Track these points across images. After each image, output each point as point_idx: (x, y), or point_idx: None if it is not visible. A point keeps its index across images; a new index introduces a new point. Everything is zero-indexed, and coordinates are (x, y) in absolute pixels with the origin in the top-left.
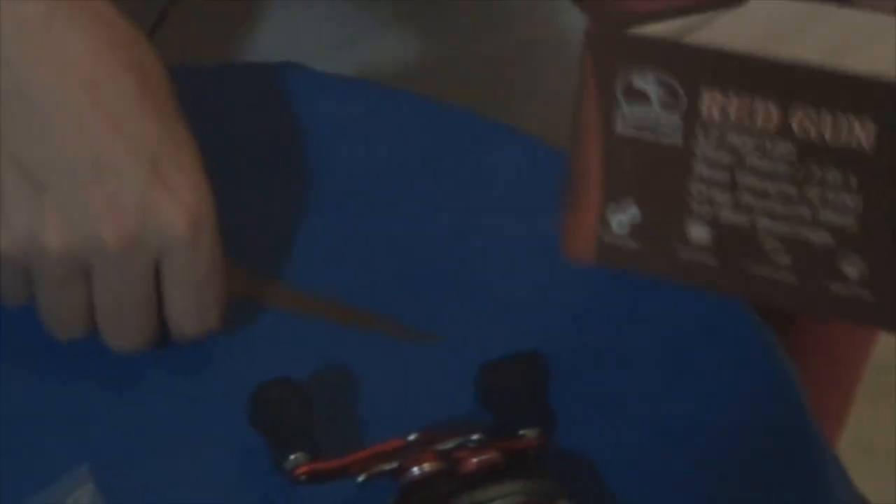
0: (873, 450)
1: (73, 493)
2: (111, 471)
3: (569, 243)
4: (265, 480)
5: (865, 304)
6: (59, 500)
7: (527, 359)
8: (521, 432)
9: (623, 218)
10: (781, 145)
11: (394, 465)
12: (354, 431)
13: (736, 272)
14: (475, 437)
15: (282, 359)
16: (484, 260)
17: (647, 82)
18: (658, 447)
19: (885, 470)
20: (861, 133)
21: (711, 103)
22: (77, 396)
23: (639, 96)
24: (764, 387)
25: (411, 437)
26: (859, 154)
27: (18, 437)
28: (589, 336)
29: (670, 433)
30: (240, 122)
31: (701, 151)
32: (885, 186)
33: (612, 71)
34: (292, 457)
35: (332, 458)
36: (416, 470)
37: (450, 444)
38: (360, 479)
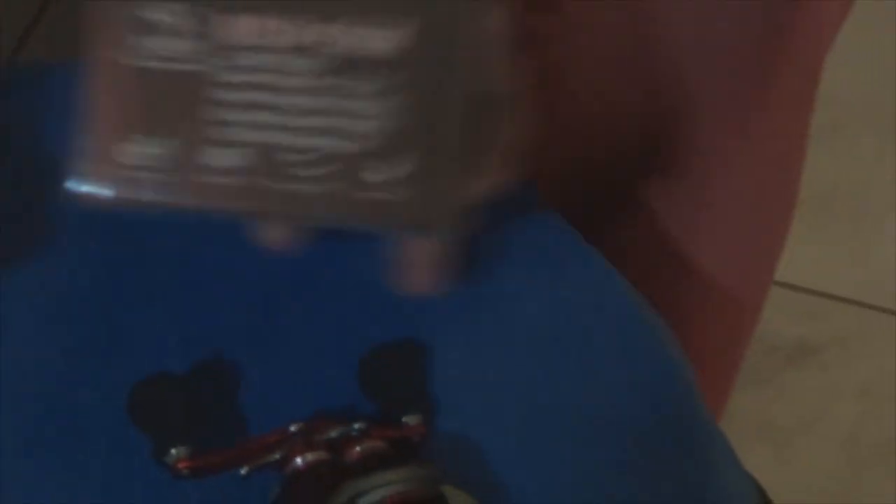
0: (769, 429)
1: None
2: None
3: (87, 178)
4: (149, 475)
5: (392, 207)
6: None
7: (406, 346)
8: (404, 419)
9: (143, 150)
10: (299, 61)
11: (277, 456)
12: (236, 424)
13: (262, 192)
14: (358, 426)
15: (161, 351)
16: (360, 245)
17: (156, 12)
18: (542, 431)
19: (780, 449)
20: (378, 41)
21: (225, 27)
22: None
23: (150, 28)
24: (650, 367)
25: (293, 428)
26: (378, 62)
27: None
28: (467, 320)
29: (553, 416)
30: None
31: (218, 76)
32: (403, 91)
33: (123, 4)
34: (173, 451)
35: (214, 452)
36: (299, 461)
37: (333, 434)
38: (244, 471)
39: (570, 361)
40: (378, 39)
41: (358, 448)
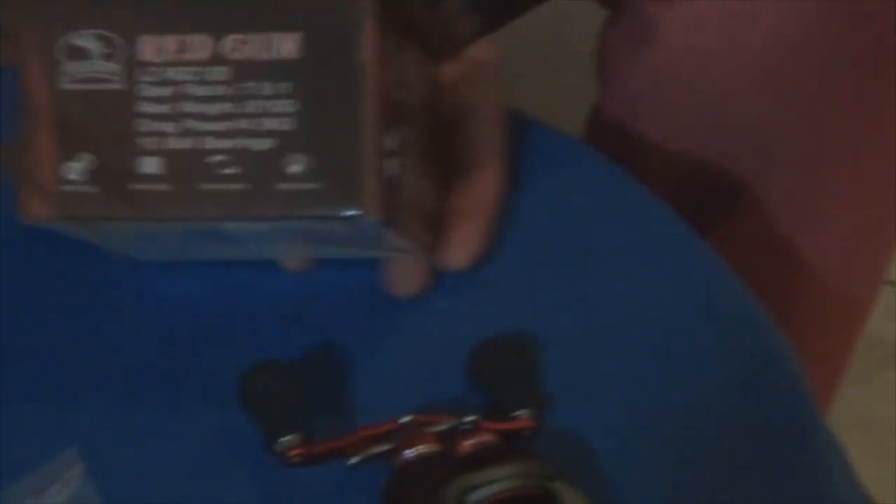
0: (870, 426)
1: (62, 476)
2: (100, 454)
3: (29, 203)
4: (256, 463)
5: (314, 193)
6: (47, 483)
7: (517, 339)
8: (515, 414)
9: (79, 166)
10: (217, 71)
11: (387, 447)
12: (347, 413)
13: (190, 194)
14: (468, 418)
15: (272, 340)
16: None
17: (85, 39)
18: (652, 428)
19: (883, 446)
20: (286, 45)
21: (148, 46)
22: (65, 379)
23: (79, 53)
24: (760, 365)
25: (404, 420)
26: (288, 63)
27: (6, 420)
28: (577, 314)
29: (665, 414)
30: None
31: (143, 91)
32: (313, 86)
33: (52, 35)
34: (284, 439)
35: (325, 441)
36: (409, 452)
37: (443, 426)
38: (353, 461)
39: (679, 357)
40: (282, 43)
41: (469, 441)
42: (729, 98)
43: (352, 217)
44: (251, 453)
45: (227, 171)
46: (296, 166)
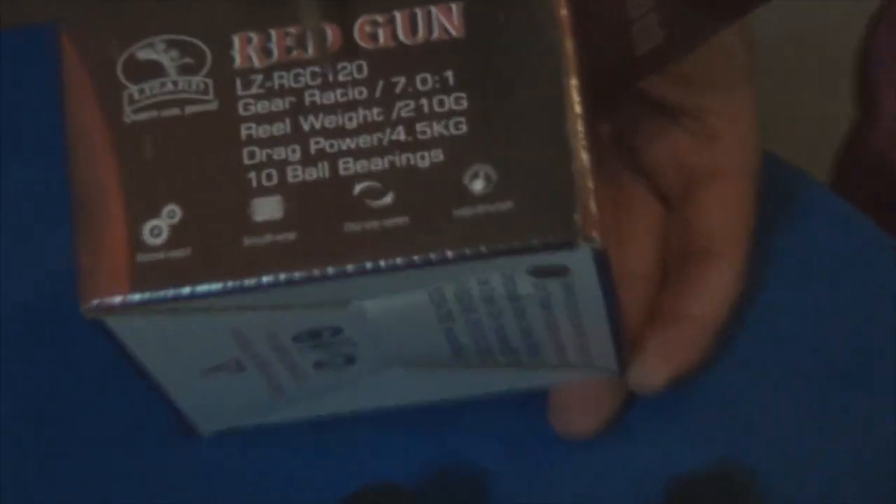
0: None
1: None
2: None
3: (92, 289)
4: None
5: (509, 217)
6: None
7: (731, 476)
8: None
9: (160, 223)
10: (349, 67)
11: None
12: None
13: (329, 241)
14: None
15: (385, 458)
16: None
17: (154, 50)
18: None
19: None
20: (443, 20)
21: (246, 48)
22: None
23: (148, 69)
24: None
25: None
26: (448, 45)
27: None
28: (821, 446)
29: None
30: None
31: (247, 108)
32: (486, 70)
33: (107, 49)
34: None
35: None
36: None
37: None
38: None
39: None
40: (433, 21)
41: None
42: None
43: (566, 244)
44: None
45: (381, 201)
46: (479, 182)
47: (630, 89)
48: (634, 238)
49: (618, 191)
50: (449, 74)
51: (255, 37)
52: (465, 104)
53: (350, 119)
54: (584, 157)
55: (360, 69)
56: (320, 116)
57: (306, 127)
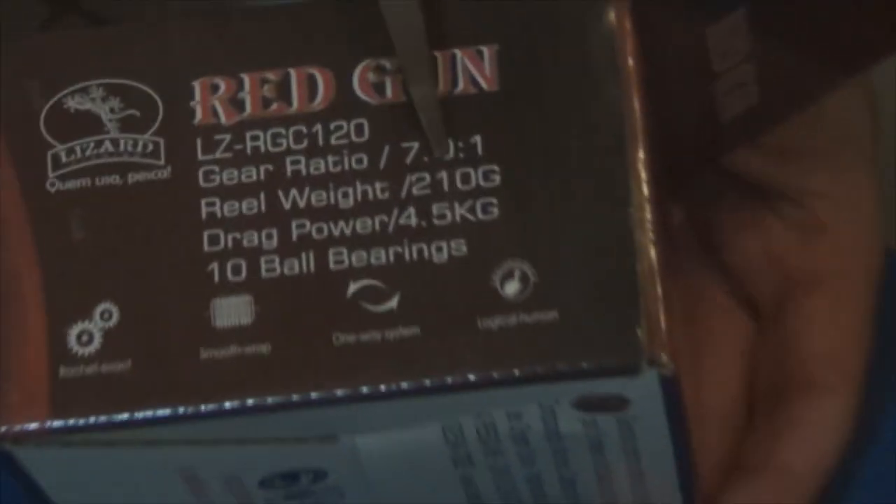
0: None
1: None
2: None
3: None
4: None
5: (549, 332)
6: None
7: None
8: None
9: (90, 327)
10: (345, 126)
11: None
12: None
13: (309, 355)
14: None
15: None
16: None
17: (89, 97)
18: None
19: None
20: (473, 67)
21: (208, 96)
22: None
23: (79, 123)
24: None
25: None
26: (478, 100)
27: None
28: None
29: None
30: None
31: (207, 177)
32: (523, 132)
33: (27, 93)
34: None
35: None
36: None
37: None
38: None
39: None
40: (459, 69)
41: None
42: None
43: (626, 369)
44: None
45: (383, 306)
46: (512, 284)
47: (712, 164)
48: (714, 362)
49: (693, 297)
50: (477, 140)
51: (221, 83)
52: (496, 180)
53: (345, 196)
54: (653, 253)
55: (359, 130)
56: (305, 192)
57: (287, 205)
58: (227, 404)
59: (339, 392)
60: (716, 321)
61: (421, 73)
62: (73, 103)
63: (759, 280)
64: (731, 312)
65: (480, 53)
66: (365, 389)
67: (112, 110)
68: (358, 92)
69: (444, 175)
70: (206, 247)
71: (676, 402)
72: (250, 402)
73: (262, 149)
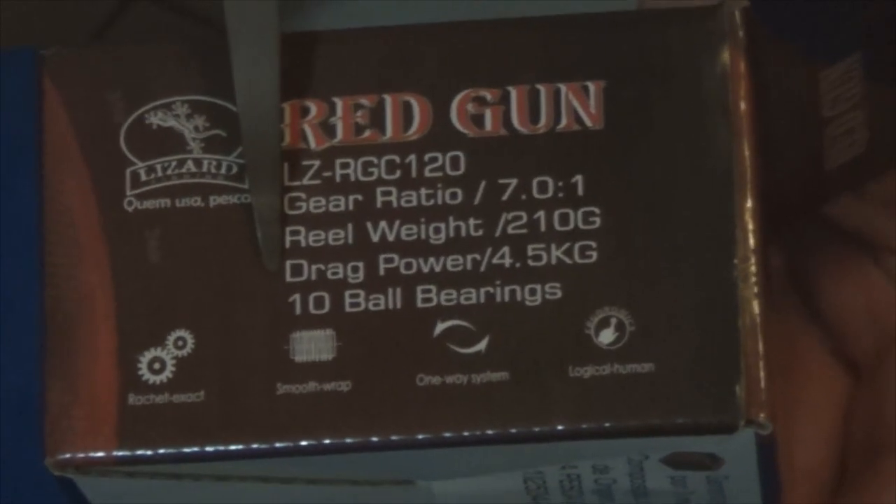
0: None
1: None
2: None
3: (63, 437)
4: None
5: (636, 382)
6: None
7: None
8: None
9: (163, 354)
10: (440, 159)
11: None
12: None
13: (392, 396)
14: None
15: None
16: None
17: (172, 114)
18: None
19: None
20: (578, 103)
21: (297, 119)
22: None
23: (162, 140)
24: None
25: None
26: (581, 139)
27: None
28: None
29: None
30: None
31: (292, 204)
32: (628, 174)
33: (108, 106)
34: None
35: None
36: None
37: None
38: None
39: None
40: (562, 104)
41: None
42: None
43: (723, 427)
44: None
45: (471, 348)
46: (608, 332)
47: (814, 211)
48: (807, 417)
49: (789, 349)
50: (578, 180)
51: (313, 107)
52: (597, 223)
53: (436, 232)
54: (756, 308)
55: (454, 163)
56: (395, 225)
57: (375, 237)
58: (303, 442)
59: (421, 436)
60: (811, 374)
61: (266, 177)
62: (155, 119)
63: (857, 334)
64: (827, 366)
65: (586, 89)
66: (447, 434)
67: (196, 129)
68: (455, 123)
69: (541, 215)
70: (288, 277)
71: (771, 461)
72: (327, 441)
73: (352, 177)
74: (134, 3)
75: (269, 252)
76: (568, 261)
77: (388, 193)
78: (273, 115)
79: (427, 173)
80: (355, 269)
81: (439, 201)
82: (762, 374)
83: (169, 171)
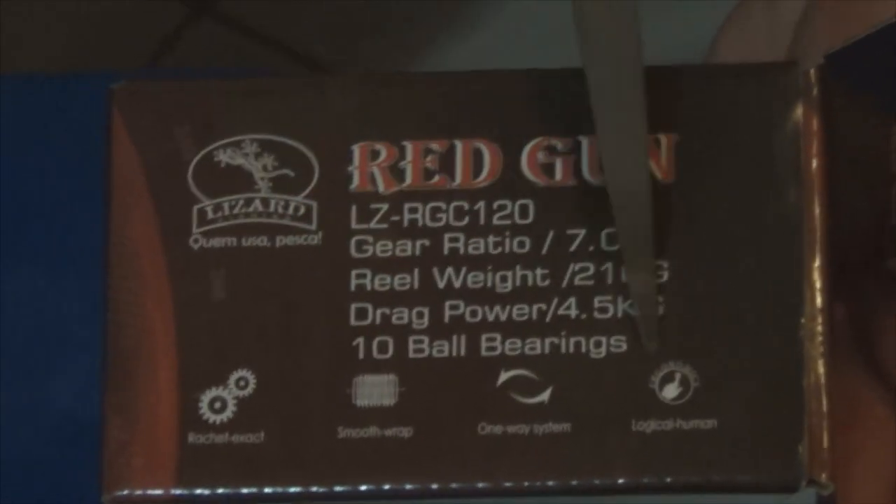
0: None
1: None
2: None
3: (121, 474)
4: None
5: (698, 438)
6: None
7: None
8: None
9: (224, 394)
10: (509, 206)
11: None
12: None
13: (453, 443)
14: None
15: None
16: None
17: (241, 152)
18: None
19: None
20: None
21: (367, 162)
22: None
23: (230, 178)
24: None
25: None
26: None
27: None
28: None
29: None
30: None
31: (360, 247)
32: (696, 228)
33: (177, 141)
34: None
35: None
36: None
37: None
38: None
39: None
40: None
41: None
42: None
43: (784, 486)
44: None
45: (534, 399)
46: (672, 388)
47: (877, 267)
48: (868, 472)
49: (850, 404)
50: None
51: (383, 150)
52: (663, 276)
53: (503, 280)
54: (821, 367)
55: (523, 212)
56: (462, 271)
57: (441, 283)
58: (362, 487)
59: (481, 484)
60: (872, 429)
61: (641, 254)
62: (224, 157)
63: None
64: (886, 419)
65: (658, 142)
66: (508, 484)
67: (265, 168)
68: (525, 171)
69: (609, 267)
70: (352, 320)
71: None
72: (386, 486)
73: (420, 222)
74: (196, 21)
75: (648, 332)
76: (634, 314)
77: (456, 240)
78: (645, 191)
79: (495, 221)
80: (420, 315)
81: (507, 249)
82: (825, 433)
83: (236, 210)
